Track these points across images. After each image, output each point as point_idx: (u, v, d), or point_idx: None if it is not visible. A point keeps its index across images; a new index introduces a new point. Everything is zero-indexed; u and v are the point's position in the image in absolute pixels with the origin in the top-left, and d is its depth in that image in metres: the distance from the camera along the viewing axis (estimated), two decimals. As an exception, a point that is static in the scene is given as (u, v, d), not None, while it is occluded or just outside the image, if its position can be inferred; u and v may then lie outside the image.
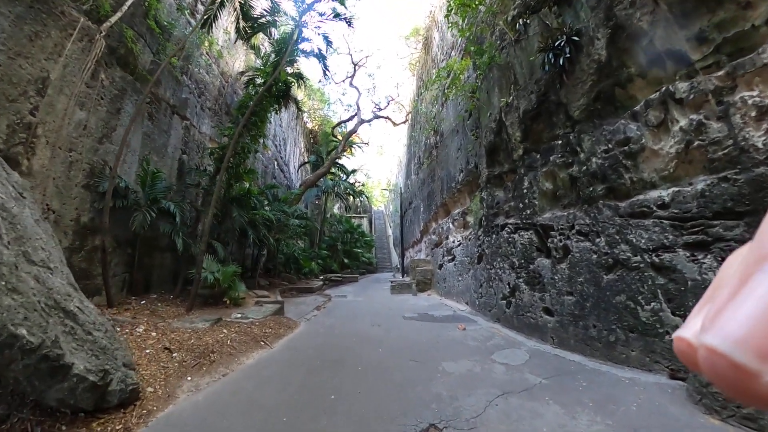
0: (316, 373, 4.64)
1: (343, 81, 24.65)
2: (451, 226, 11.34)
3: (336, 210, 35.99)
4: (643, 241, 4.52)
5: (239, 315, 8.05)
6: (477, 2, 8.63)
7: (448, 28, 9.94)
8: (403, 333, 6.58)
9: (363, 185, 37.86)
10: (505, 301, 7.25)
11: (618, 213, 4.93)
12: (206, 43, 12.65)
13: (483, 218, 8.60)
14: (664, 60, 4.46)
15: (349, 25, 10.95)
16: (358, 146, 30.66)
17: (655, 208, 4.43)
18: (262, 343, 6.15)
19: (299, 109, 17.01)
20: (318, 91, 28.43)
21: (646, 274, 4.43)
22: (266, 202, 14.79)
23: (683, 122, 4.24)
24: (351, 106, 31.48)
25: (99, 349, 3.65)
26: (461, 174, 10.55)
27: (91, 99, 7.62)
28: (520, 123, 7.17)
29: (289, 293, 13.93)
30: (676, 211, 4.21)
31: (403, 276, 22.79)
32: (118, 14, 7.71)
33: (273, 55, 12.77)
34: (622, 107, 5.11)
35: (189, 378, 4.70)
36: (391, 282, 14.63)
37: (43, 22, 6.49)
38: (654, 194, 4.51)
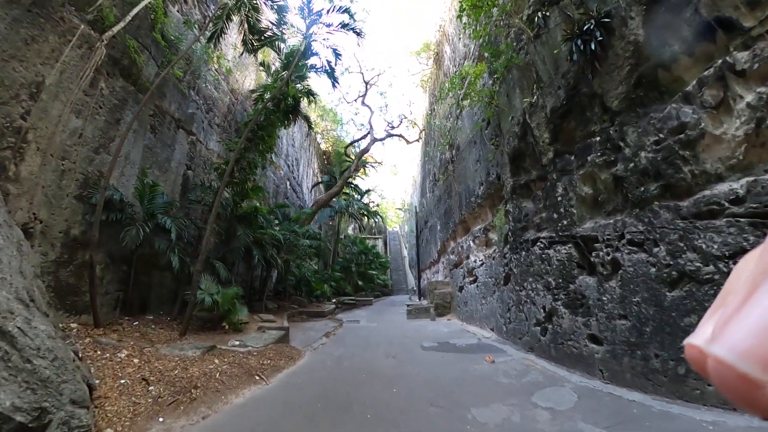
0: (316, 420, 3.75)
1: (355, 100, 24.55)
2: (471, 244, 10.41)
3: (350, 231, 35.36)
4: (715, 246, 3.63)
5: (237, 342, 7.25)
6: (490, 2, 8.06)
7: (463, 28, 9.37)
8: (421, 367, 5.61)
9: (377, 206, 37.27)
10: (539, 328, 6.23)
11: (679, 215, 4.06)
12: (214, 59, 12.48)
13: (509, 234, 7.69)
14: (713, 30, 3.74)
15: (358, 35, 10.55)
16: (372, 166, 30.28)
17: (727, 205, 3.61)
18: (257, 378, 5.29)
19: (310, 126, 16.66)
20: (330, 112, 28.44)
21: (722, 286, 3.42)
22: (276, 222, 14.23)
23: (749, 97, 3.47)
24: (363, 126, 31.39)
25: (38, 381, 2.90)
26: (481, 187, 9.72)
27: (89, 107, 7.29)
28: (547, 123, 6.41)
29: (298, 318, 13.08)
30: (754, 205, 3.41)
31: (419, 299, 21.62)
32: (121, 24, 7.44)
33: (282, 70, 12.51)
34: (668, 92, 4.42)
35: (161, 419, 3.88)
36: (408, 306, 13.62)
37: (40, 27, 6.25)
38: (723, 188, 3.69)
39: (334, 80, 11.44)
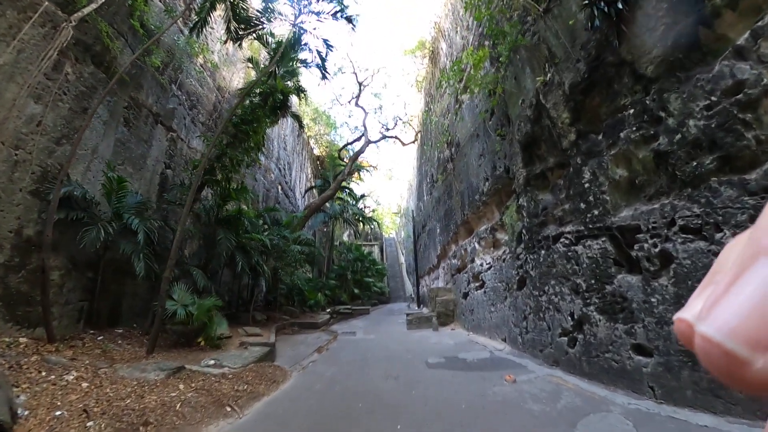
0: (294, 473, 2.77)
1: (349, 102, 23.80)
2: (476, 246, 9.50)
3: (345, 238, 34.36)
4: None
5: (212, 361, 6.24)
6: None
7: (464, 8, 8.55)
8: (429, 390, 4.64)
9: (373, 211, 36.36)
10: (566, 338, 5.30)
11: (747, 190, 3.32)
12: (199, 52, 11.63)
13: (523, 231, 6.80)
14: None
15: (349, 22, 9.74)
16: (367, 170, 29.46)
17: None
18: (229, 409, 4.29)
19: (301, 125, 15.84)
20: (323, 115, 27.63)
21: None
22: (265, 227, 13.25)
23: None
24: (357, 128, 30.58)
25: None
26: (486, 183, 8.85)
27: (51, 93, 6.39)
28: (566, 101, 5.61)
29: (289, 330, 12.03)
30: None
31: (418, 306, 20.60)
32: (93, 5, 6.60)
33: (270, 64, 11.68)
34: (711, 52, 3.63)
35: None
36: (407, 315, 12.61)
37: (-5, -1, 5.38)
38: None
39: (325, 71, 10.62)
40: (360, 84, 22.32)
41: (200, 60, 12.94)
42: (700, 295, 0.26)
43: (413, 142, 23.15)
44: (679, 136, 3.91)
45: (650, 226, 4.17)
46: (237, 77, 15.90)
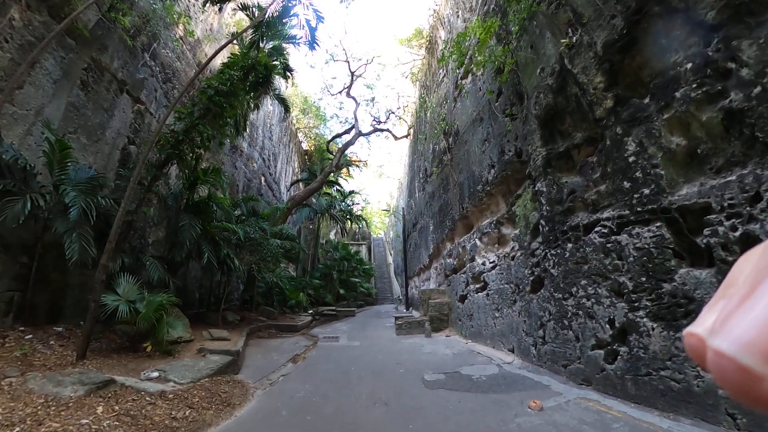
0: None
1: (340, 93, 22.58)
2: (478, 243, 8.41)
3: (332, 236, 33.03)
4: None
5: (155, 374, 4.96)
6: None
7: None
8: (432, 424, 3.47)
9: (362, 210, 35.13)
10: (602, 352, 4.22)
11: None
12: (177, 20, 10.36)
13: (541, 222, 5.73)
14: None
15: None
16: (357, 166, 28.26)
17: None
18: (152, 449, 3.06)
19: (287, 109, 14.56)
20: (313, 106, 26.34)
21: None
22: (243, 218, 11.94)
23: None
24: (348, 120, 29.34)
25: None
26: (492, 171, 7.78)
27: None
28: (599, 63, 4.65)
29: (265, 333, 10.75)
30: None
31: (407, 309, 19.44)
32: None
33: (254, 30, 10.44)
34: None
35: None
36: (396, 318, 11.45)
37: None
38: None
39: (314, 41, 9.42)
40: (352, 74, 21.15)
41: (180, 31, 11.67)
42: (712, 309, 0.25)
43: (406, 136, 22.07)
44: (758, 89, 3.05)
45: (725, 204, 3.17)
46: (220, 55, 14.57)
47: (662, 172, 3.79)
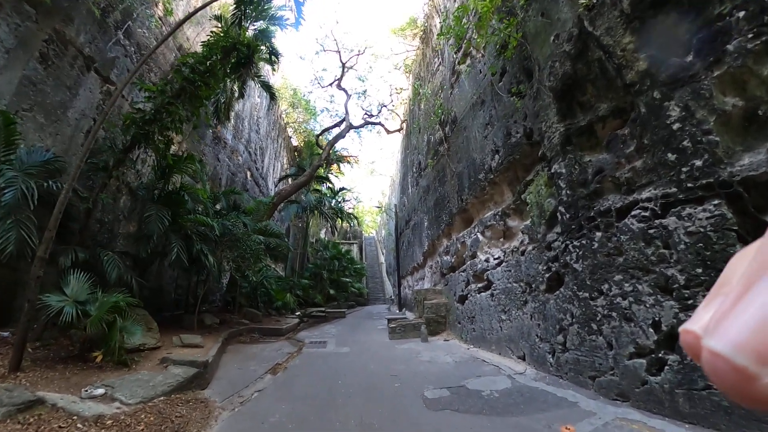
0: None
1: (330, 85, 21.69)
2: (480, 237, 7.62)
3: (323, 235, 32.06)
4: None
5: (100, 391, 4.06)
6: None
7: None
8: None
9: (353, 208, 34.21)
10: (644, 361, 3.45)
11: None
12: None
13: (560, 210, 4.95)
14: None
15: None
16: (348, 163, 27.39)
17: None
18: None
19: (273, 96, 13.64)
20: (303, 100, 25.38)
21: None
22: (223, 212, 11.00)
23: None
24: (338, 113, 28.38)
25: None
26: (496, 156, 7.01)
27: None
28: (627, 22, 3.96)
29: (246, 337, 9.84)
30: None
31: (400, 310, 18.63)
32: None
33: (234, 9, 9.57)
34: None
35: None
36: (389, 320, 10.62)
37: None
38: None
39: (300, 17, 8.53)
40: (343, 65, 20.28)
41: (159, 11, 10.72)
42: (707, 307, 0.26)
43: (398, 130, 21.28)
44: None
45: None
46: (203, 38, 13.60)
47: (717, 139, 3.05)
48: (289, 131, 27.99)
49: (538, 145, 5.74)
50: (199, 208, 9.42)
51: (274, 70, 13.95)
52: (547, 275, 5.19)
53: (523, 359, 5.81)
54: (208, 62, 8.19)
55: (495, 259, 6.87)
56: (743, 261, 0.26)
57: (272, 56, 12.40)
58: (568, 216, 4.75)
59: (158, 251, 7.90)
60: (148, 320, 7.51)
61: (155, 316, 9.43)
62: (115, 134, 7.83)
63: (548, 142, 5.29)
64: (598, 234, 4.13)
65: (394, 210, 22.83)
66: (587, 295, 4.23)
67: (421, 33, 17.80)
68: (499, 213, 6.93)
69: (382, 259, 35.24)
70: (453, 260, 9.42)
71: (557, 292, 4.92)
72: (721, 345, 0.22)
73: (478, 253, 7.56)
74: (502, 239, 6.88)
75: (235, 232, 8.83)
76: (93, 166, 7.16)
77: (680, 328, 0.27)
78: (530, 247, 5.76)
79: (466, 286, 8.11)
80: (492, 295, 6.82)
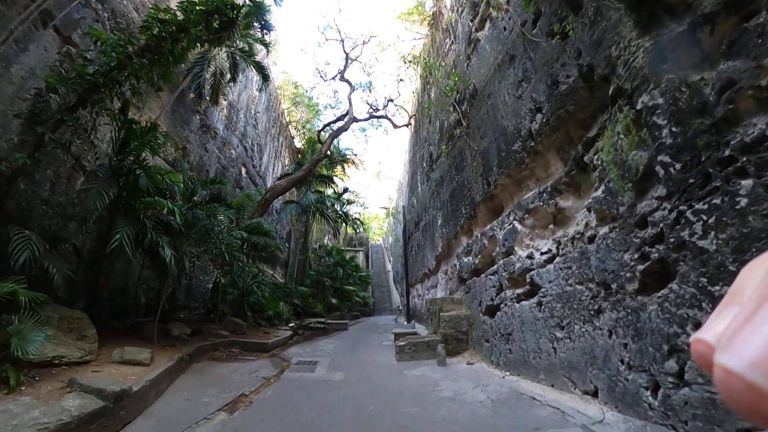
0: None
1: (333, 78, 20.21)
2: (518, 227, 5.77)
3: (327, 241, 30.31)
4: None
5: None
6: None
7: None
8: None
9: (359, 214, 32.46)
10: None
11: None
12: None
13: (661, 161, 3.12)
14: None
15: None
16: (354, 165, 25.79)
17: None
18: None
19: (265, 78, 12.10)
20: (305, 97, 23.97)
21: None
22: (199, 202, 9.30)
23: None
24: (341, 103, 26.77)
25: None
26: (538, 116, 5.25)
27: None
28: None
29: (223, 353, 8.08)
30: None
31: (408, 321, 16.65)
32: None
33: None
34: None
35: None
36: (396, 337, 8.71)
37: None
38: None
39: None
40: (347, 55, 18.80)
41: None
42: (719, 317, 0.25)
43: (407, 125, 19.60)
44: None
45: None
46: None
47: None
48: (292, 131, 26.58)
49: (604, 83, 3.99)
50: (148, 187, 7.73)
51: (267, 47, 12.40)
52: (640, 267, 3.33)
53: (594, 395, 3.91)
54: (179, 25, 6.65)
55: (543, 253, 5.00)
56: (757, 272, 0.25)
57: (264, 29, 10.89)
58: (679, 167, 2.93)
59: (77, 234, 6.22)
60: (84, 326, 5.87)
61: (107, 323, 7.77)
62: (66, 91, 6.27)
63: (626, 70, 3.50)
64: (746, 182, 2.28)
65: (402, 212, 21.03)
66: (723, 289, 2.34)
67: (430, 18, 16.31)
68: (547, 191, 5.09)
69: (389, 266, 33.31)
70: (477, 261, 7.53)
71: (663, 291, 3.05)
72: (735, 362, 0.22)
73: (516, 249, 5.68)
74: (551, 226, 5.02)
75: (206, 224, 7.09)
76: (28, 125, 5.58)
77: (692, 338, 0.26)
78: (605, 230, 3.91)
79: (498, 293, 6.20)
80: (539, 303, 4.92)
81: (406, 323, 16.66)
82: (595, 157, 4.21)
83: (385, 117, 18.74)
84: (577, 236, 4.37)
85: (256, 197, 12.16)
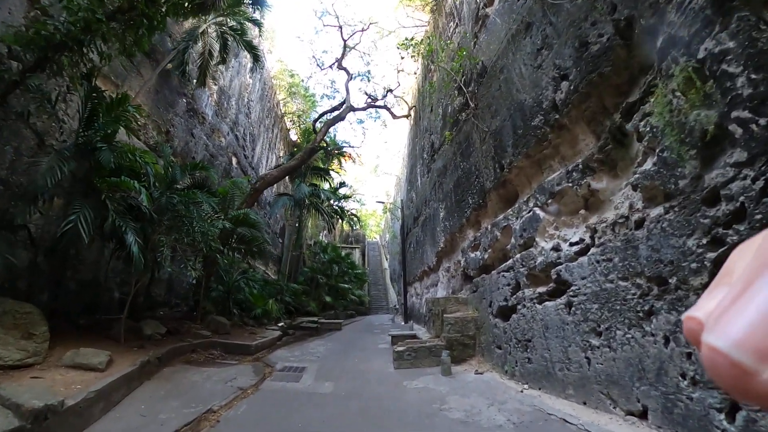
0: None
1: (331, 67, 19.34)
2: (540, 214, 4.95)
3: (322, 238, 29.43)
4: None
5: None
6: None
7: None
8: None
9: (356, 210, 31.58)
10: None
11: None
12: None
13: (738, 116, 2.32)
14: None
15: None
16: (351, 159, 24.95)
17: None
18: None
19: (256, 58, 11.25)
20: (301, 87, 23.06)
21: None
22: (179, 188, 8.43)
23: None
24: (338, 92, 25.79)
25: None
26: (564, 84, 4.48)
27: None
28: None
29: (201, 355, 7.28)
30: None
31: (406, 321, 15.85)
32: None
33: None
34: None
35: None
36: (394, 339, 7.89)
37: None
38: None
39: None
40: (344, 42, 17.91)
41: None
42: (710, 295, 0.26)
43: (406, 116, 18.76)
44: None
45: None
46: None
47: None
48: (288, 124, 25.68)
49: (648, 36, 3.24)
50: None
51: (259, 27, 11.52)
52: (710, 255, 2.56)
53: (642, 417, 3.14)
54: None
55: (573, 244, 4.19)
56: (746, 254, 0.26)
57: (255, 5, 10.01)
58: (764, 122, 2.12)
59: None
60: (33, 323, 5.09)
61: (73, 319, 6.97)
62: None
63: (680, 14, 2.74)
64: None
65: (400, 206, 20.20)
66: None
67: (432, 3, 15.50)
68: (577, 169, 4.28)
69: (386, 264, 32.49)
70: (486, 256, 6.71)
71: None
72: (721, 341, 0.22)
73: (538, 240, 4.86)
74: (582, 211, 4.20)
75: (180, 210, 6.22)
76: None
77: (683, 315, 0.26)
78: (657, 211, 3.11)
79: (514, 292, 5.38)
80: (569, 304, 4.10)
81: (403, 323, 15.86)
82: (641, 123, 3.41)
83: (384, 107, 17.89)
84: (620, 221, 3.56)
85: (245, 186, 11.28)
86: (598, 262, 3.78)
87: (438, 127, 11.83)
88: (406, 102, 19.95)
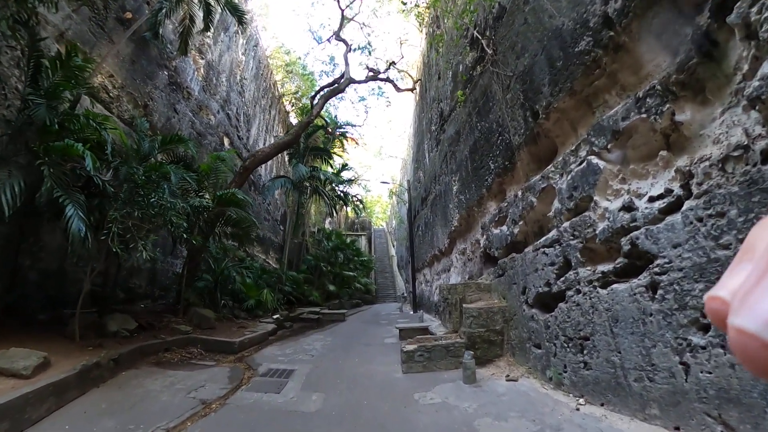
0: None
1: (329, 40, 17.88)
2: (598, 163, 3.64)
3: (327, 225, 28.32)
4: None
5: None
6: None
7: None
8: None
9: (362, 196, 30.33)
10: None
11: None
12: None
13: None
14: None
15: None
16: (354, 142, 23.65)
17: None
18: None
19: (240, 21, 9.90)
20: (297, 64, 21.63)
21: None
22: (146, 160, 7.25)
23: None
24: (338, 66, 24.21)
25: None
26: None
27: None
28: None
29: (175, 354, 6.30)
30: None
31: (415, 310, 14.70)
32: None
33: None
34: None
35: None
36: (401, 332, 6.69)
37: None
38: None
39: None
40: (342, 12, 16.42)
41: None
42: (731, 273, 0.25)
43: (411, 90, 17.32)
44: None
45: None
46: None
47: None
48: (287, 106, 24.36)
49: None
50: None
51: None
52: None
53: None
54: None
55: (654, 199, 2.91)
56: (766, 231, 0.25)
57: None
58: None
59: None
60: None
61: (30, 315, 6.00)
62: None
63: None
64: None
65: (407, 189, 18.91)
66: None
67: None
68: (652, 93, 2.96)
69: (393, 251, 31.37)
70: (516, 231, 5.42)
71: None
72: (748, 322, 0.21)
73: (597, 198, 3.55)
74: (664, 152, 2.89)
75: (136, 180, 5.04)
76: None
77: (706, 295, 0.25)
78: None
79: (562, 273, 4.09)
80: (652, 286, 2.83)
81: (412, 312, 14.72)
82: (752, 11, 2.09)
83: (387, 80, 16.43)
84: (735, 154, 2.26)
85: (231, 160, 10.06)
86: (700, 219, 2.49)
87: (448, 92, 10.44)
88: (410, 76, 18.47)
